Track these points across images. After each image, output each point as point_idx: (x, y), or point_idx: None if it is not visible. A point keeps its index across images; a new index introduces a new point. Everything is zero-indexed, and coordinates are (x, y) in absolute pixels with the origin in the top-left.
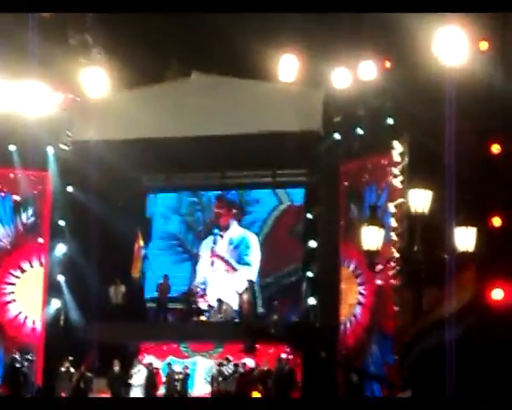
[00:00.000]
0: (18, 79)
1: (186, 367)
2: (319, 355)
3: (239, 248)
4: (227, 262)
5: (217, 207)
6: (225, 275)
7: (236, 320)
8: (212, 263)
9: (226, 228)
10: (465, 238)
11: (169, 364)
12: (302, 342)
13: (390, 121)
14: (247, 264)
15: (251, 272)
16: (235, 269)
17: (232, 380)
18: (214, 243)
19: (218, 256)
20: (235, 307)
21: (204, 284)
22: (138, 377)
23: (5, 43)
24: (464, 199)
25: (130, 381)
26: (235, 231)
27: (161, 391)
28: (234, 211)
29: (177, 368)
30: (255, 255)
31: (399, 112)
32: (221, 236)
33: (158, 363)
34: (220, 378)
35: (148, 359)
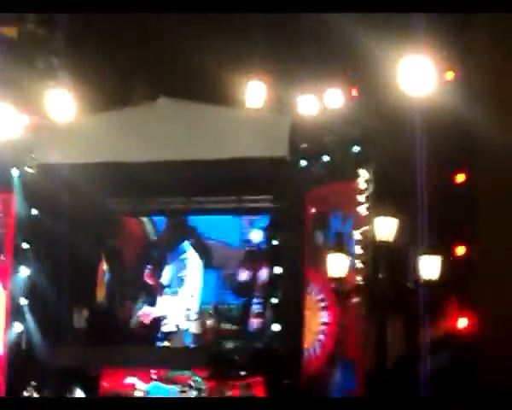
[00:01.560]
0: None
1: (144, 391)
2: (282, 383)
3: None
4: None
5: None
6: (181, 301)
7: (197, 346)
8: (165, 287)
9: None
10: (429, 267)
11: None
12: (265, 369)
13: (356, 149)
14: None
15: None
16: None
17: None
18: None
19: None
20: (195, 332)
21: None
22: None
23: None
24: (429, 227)
25: None
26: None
27: None
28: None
29: (136, 393)
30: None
31: (366, 140)
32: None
33: (142, 385)
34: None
35: (132, 380)
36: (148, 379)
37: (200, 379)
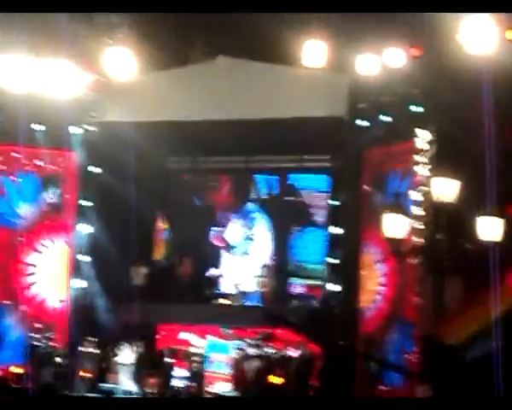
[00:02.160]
0: (45, 59)
1: (202, 348)
2: (339, 344)
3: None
4: (242, 246)
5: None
6: (242, 259)
7: (257, 305)
8: (228, 247)
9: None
10: (489, 228)
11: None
12: (322, 329)
13: (416, 109)
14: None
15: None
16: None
17: (252, 363)
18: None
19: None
20: (254, 291)
21: (222, 268)
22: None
23: (32, 21)
24: (490, 189)
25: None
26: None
27: (182, 372)
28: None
29: (194, 349)
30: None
31: (426, 99)
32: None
33: (197, 341)
34: (240, 360)
35: (187, 336)
36: (204, 335)
37: (261, 336)
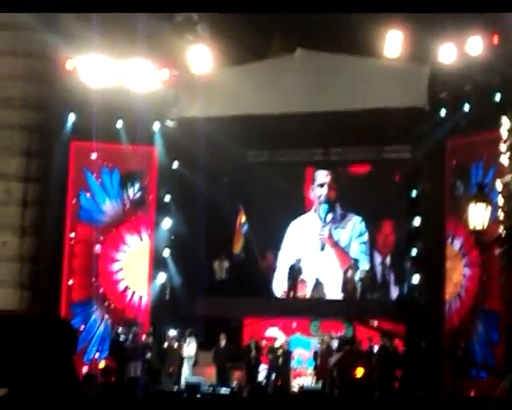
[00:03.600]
0: (125, 57)
1: (285, 343)
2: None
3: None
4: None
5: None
6: (323, 253)
7: (339, 299)
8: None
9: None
10: None
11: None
12: (407, 321)
13: (498, 97)
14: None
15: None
16: (344, 252)
17: (337, 355)
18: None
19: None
20: (335, 285)
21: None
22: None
23: (112, 20)
24: None
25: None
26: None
27: (263, 366)
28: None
29: (278, 344)
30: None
31: (507, 87)
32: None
33: (283, 337)
34: (325, 353)
35: (273, 332)
36: (289, 331)
37: (350, 329)
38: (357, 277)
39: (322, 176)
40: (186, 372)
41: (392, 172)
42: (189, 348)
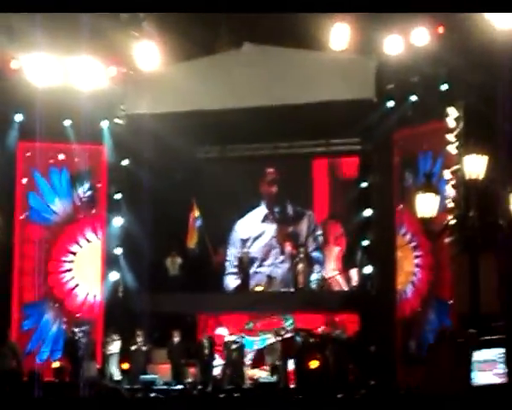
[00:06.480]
0: (71, 55)
1: (241, 338)
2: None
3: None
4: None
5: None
6: (273, 247)
7: (291, 290)
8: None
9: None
10: None
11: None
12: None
13: (444, 87)
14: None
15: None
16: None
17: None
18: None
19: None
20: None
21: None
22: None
23: (56, 18)
24: None
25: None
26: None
27: (219, 361)
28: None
29: (232, 338)
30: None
31: (454, 77)
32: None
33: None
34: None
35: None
36: (236, 331)
37: (291, 321)
38: (309, 269)
39: (271, 171)
40: (112, 370)
41: (340, 164)
42: (113, 345)
